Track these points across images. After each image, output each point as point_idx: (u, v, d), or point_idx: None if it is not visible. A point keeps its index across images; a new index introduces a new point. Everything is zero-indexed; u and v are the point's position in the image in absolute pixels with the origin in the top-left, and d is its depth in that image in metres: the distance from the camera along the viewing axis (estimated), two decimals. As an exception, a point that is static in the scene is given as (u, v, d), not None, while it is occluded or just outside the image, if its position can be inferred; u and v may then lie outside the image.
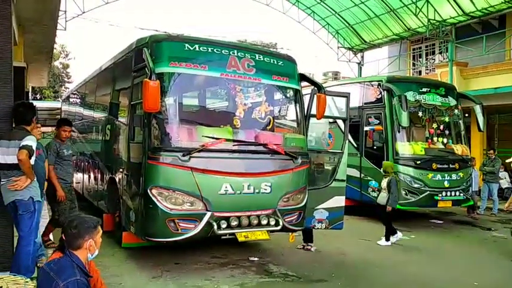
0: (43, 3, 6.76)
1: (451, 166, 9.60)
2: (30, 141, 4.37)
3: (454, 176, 9.57)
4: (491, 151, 11.71)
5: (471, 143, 12.94)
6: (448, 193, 9.43)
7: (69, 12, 15.71)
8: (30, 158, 4.33)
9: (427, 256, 7.12)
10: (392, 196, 7.65)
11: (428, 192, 9.22)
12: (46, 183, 5.45)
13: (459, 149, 9.97)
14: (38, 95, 29.99)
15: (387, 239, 7.69)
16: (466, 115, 11.87)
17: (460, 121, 10.37)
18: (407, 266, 6.51)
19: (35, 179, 4.57)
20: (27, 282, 3.59)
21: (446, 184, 9.42)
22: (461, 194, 9.64)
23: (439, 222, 10.34)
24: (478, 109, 10.39)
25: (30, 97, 15.61)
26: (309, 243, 7.13)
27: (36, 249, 4.75)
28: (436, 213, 11.26)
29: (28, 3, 6.54)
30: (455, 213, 11.42)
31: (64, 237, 2.63)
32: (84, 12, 16.46)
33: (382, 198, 7.80)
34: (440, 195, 9.33)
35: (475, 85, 14.38)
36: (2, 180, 4.44)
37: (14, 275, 3.80)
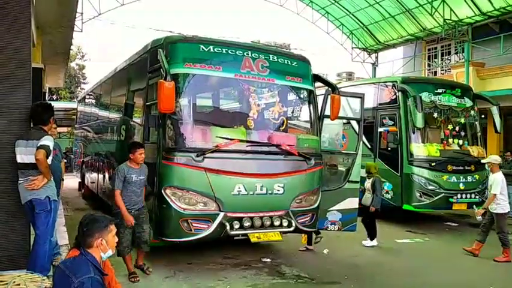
0: (61, 6, 6.88)
1: (466, 168, 9.47)
2: (48, 141, 4.44)
3: (469, 178, 9.43)
4: (508, 153, 11.53)
5: (487, 145, 12.74)
6: (464, 195, 9.31)
7: (85, 14, 16.00)
8: (47, 157, 4.40)
9: (442, 259, 7.02)
10: (377, 197, 7.57)
11: (443, 194, 9.11)
12: (63, 182, 5.52)
13: (475, 150, 9.82)
14: (54, 96, 30.41)
15: (372, 239, 7.60)
16: (483, 116, 11.69)
17: (476, 122, 10.23)
18: (421, 269, 6.44)
19: (52, 179, 4.66)
20: (43, 280, 3.66)
21: (461, 186, 9.29)
22: (477, 197, 9.49)
23: (454, 224, 10.20)
24: (494, 110, 10.22)
25: (47, 98, 15.88)
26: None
27: (52, 248, 4.83)
28: (451, 215, 11.10)
29: (47, 5, 6.66)
30: (470, 215, 11.24)
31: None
32: (100, 14, 16.68)
33: (367, 199, 7.70)
34: (456, 197, 9.21)
35: (492, 86, 14.15)
36: (20, 179, 4.52)
37: (31, 273, 3.86)
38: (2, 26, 4.56)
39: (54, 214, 4.68)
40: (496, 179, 7.01)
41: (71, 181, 14.54)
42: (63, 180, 5.85)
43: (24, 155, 4.47)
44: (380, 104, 10.16)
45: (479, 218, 7.22)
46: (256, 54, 6.02)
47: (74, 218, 7.90)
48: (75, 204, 10.96)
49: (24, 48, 4.69)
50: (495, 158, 7.33)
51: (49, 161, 4.50)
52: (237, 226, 5.47)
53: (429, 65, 19.42)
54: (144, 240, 5.45)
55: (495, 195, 6.94)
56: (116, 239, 2.79)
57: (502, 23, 15.56)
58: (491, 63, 15.34)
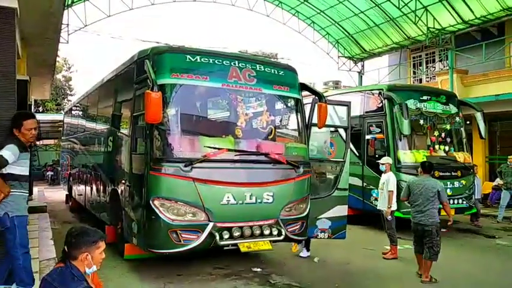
0: (46, 17, 6.82)
1: (453, 174, 9.59)
2: (6, 150, 4.04)
3: (456, 184, 9.54)
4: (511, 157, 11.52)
5: (473, 151, 12.92)
6: (451, 201, 9.39)
7: (71, 26, 15.91)
8: (1, 168, 4.02)
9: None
10: None
11: (431, 200, 9.15)
12: None
13: (461, 156, 9.96)
14: (40, 108, 30.07)
15: (308, 249, 7.35)
16: (468, 122, 11.87)
17: (461, 128, 10.38)
18: (412, 276, 6.45)
19: (21, 192, 4.27)
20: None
21: (448, 192, 9.37)
22: (464, 202, 9.61)
23: (442, 230, 10.18)
24: (479, 116, 10.41)
25: (33, 109, 15.68)
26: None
27: (30, 260, 4.37)
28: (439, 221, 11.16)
29: (32, 17, 6.60)
30: (458, 221, 11.34)
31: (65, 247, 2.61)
32: (86, 26, 16.61)
33: None
34: (443, 203, 9.27)
35: (476, 92, 14.41)
36: None
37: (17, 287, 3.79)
38: (-14, 38, 4.52)
39: (21, 230, 4.21)
40: (391, 178, 7.46)
41: (58, 194, 14.33)
42: None
43: None
44: (367, 112, 10.26)
45: (389, 217, 7.43)
46: (243, 64, 6.05)
47: (62, 231, 7.78)
48: (63, 217, 10.80)
49: (8, 60, 4.65)
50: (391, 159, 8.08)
51: (18, 170, 4.17)
52: (226, 236, 5.45)
53: (414, 73, 19.71)
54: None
55: (393, 191, 7.31)
56: (103, 256, 2.62)
57: (483, 31, 15.93)
58: (474, 70, 15.65)
